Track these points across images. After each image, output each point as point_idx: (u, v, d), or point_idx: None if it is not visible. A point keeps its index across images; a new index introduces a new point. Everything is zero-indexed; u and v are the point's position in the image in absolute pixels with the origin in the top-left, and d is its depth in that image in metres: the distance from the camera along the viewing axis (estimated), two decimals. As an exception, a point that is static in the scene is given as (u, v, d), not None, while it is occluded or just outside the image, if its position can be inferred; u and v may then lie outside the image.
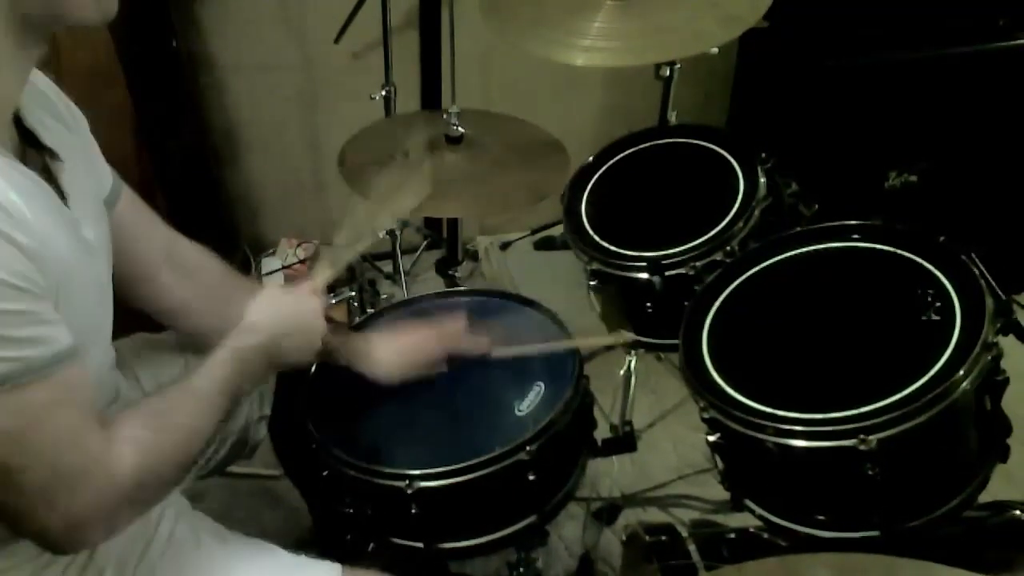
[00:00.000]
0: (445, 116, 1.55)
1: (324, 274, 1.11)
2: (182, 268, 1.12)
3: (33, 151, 0.84)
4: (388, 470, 1.05)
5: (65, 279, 0.79)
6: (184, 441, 0.87)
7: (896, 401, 0.92)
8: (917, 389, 0.92)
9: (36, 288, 0.74)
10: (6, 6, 0.73)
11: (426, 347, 1.18)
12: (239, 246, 2.22)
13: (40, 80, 0.92)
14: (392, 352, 1.17)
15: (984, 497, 1.01)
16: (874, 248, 1.12)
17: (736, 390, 1.03)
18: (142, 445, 0.82)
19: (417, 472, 1.03)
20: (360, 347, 1.17)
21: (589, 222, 1.39)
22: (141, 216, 1.08)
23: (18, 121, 0.83)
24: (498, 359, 1.19)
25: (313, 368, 1.22)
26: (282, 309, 1.00)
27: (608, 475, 1.68)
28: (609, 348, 1.45)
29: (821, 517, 1.01)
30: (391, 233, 2.28)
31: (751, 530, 1.15)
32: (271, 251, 2.12)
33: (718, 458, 1.09)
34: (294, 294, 1.04)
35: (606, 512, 1.66)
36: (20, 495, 0.75)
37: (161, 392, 0.90)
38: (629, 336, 1.36)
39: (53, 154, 0.85)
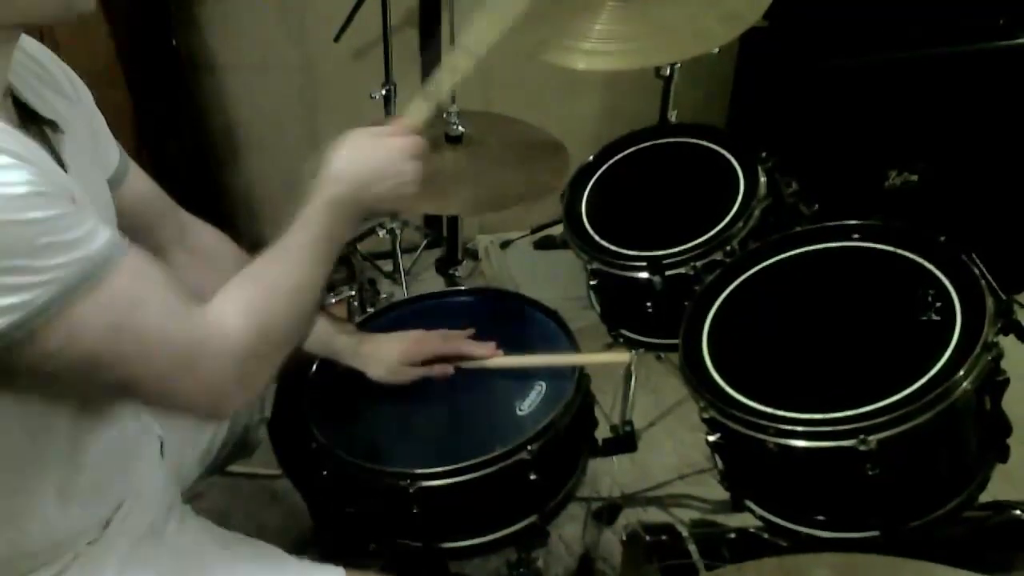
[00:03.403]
0: (445, 115, 1.55)
1: (420, 111, 1.00)
2: (196, 251, 1.12)
3: (33, 126, 0.82)
4: (389, 469, 1.05)
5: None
6: (293, 294, 0.86)
7: (896, 401, 0.92)
8: (917, 389, 0.92)
9: (66, 191, 0.72)
10: None
11: (430, 351, 1.17)
12: (239, 245, 2.21)
13: (41, 54, 0.91)
14: (396, 356, 1.16)
15: (984, 497, 1.01)
16: (874, 248, 1.12)
17: (736, 390, 1.02)
18: (245, 305, 0.81)
19: (418, 472, 1.03)
20: (364, 349, 1.17)
21: (589, 221, 1.39)
22: (152, 196, 1.08)
23: (14, 97, 0.81)
24: (501, 367, 1.19)
25: (314, 368, 1.22)
26: (367, 154, 0.93)
27: (608, 475, 1.68)
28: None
29: (821, 517, 1.01)
30: (391, 232, 2.28)
31: (751, 530, 1.15)
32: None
33: (718, 458, 1.09)
34: (380, 138, 0.95)
35: (606, 512, 1.66)
36: (151, 381, 0.76)
37: (257, 258, 0.88)
38: (631, 355, 1.36)
39: (54, 126, 0.84)
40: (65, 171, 0.82)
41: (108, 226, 0.75)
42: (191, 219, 1.14)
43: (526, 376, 1.17)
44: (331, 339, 1.15)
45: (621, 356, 1.35)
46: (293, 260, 0.87)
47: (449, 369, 1.18)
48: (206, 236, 1.14)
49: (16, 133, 0.72)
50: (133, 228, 0.99)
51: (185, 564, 0.97)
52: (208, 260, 1.12)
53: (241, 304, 0.81)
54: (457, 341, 1.19)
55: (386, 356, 1.16)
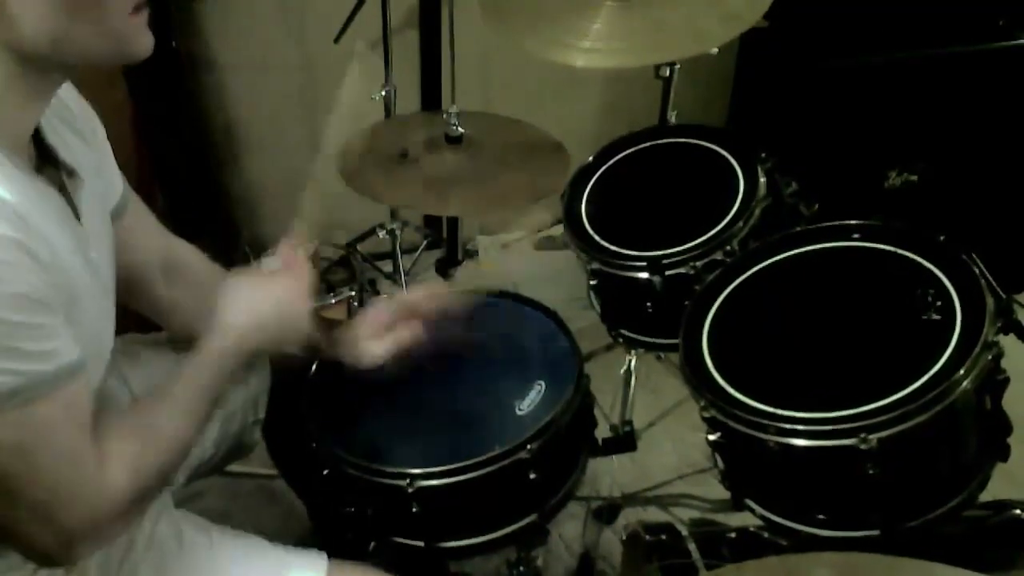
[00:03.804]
0: (445, 116, 1.55)
1: (302, 236, 1.05)
2: (175, 269, 1.12)
3: (51, 168, 0.83)
4: (389, 469, 1.05)
5: (75, 296, 0.79)
6: (172, 451, 0.88)
7: (896, 400, 0.92)
8: (917, 388, 0.92)
9: (50, 300, 0.74)
10: (12, 49, 0.72)
11: (383, 318, 1.15)
12: (239, 246, 2.22)
13: (66, 92, 0.91)
14: (359, 335, 1.14)
15: (984, 496, 1.01)
16: (874, 247, 1.12)
17: (736, 389, 1.02)
18: (133, 461, 0.82)
19: (418, 471, 1.03)
20: (335, 337, 1.16)
21: (589, 222, 1.39)
22: (143, 222, 1.08)
23: (38, 137, 0.82)
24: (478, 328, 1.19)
25: (313, 368, 1.22)
26: (257, 302, 0.96)
27: (608, 474, 1.68)
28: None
29: (821, 516, 1.01)
30: (391, 233, 2.28)
31: (751, 529, 1.15)
32: (271, 252, 2.12)
33: (718, 457, 1.09)
34: (268, 281, 0.99)
35: (606, 511, 1.66)
36: (13, 509, 0.76)
37: (146, 402, 0.90)
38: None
39: (71, 171, 0.85)
40: (79, 218, 0.84)
41: (71, 346, 0.76)
42: (171, 238, 1.14)
43: (526, 375, 1.17)
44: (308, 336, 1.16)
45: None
46: (179, 413, 0.89)
47: (416, 328, 1.15)
48: (187, 257, 1.14)
49: (28, 217, 0.72)
50: (121, 252, 1.00)
51: (165, 555, 0.98)
52: (184, 278, 1.13)
53: (129, 460, 0.82)
54: (403, 297, 1.18)
55: (351, 338, 1.15)
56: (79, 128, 0.92)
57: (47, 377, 0.73)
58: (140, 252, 1.07)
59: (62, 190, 0.83)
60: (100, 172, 0.97)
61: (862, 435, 0.90)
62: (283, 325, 0.98)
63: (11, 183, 0.72)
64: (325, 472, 1.11)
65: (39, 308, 0.72)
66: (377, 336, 1.14)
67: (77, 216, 0.84)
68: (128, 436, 0.84)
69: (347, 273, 2.04)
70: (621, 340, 1.40)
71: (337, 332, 1.16)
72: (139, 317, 1.14)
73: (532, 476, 1.06)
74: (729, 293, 1.17)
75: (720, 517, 1.39)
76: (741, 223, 1.26)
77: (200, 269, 1.15)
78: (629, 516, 1.65)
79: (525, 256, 2.45)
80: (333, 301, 1.88)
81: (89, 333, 0.83)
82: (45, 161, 0.83)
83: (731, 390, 1.03)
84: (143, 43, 0.77)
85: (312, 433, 1.12)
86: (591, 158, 1.51)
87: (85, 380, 0.79)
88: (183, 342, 1.12)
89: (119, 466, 0.81)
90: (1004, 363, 0.95)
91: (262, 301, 0.97)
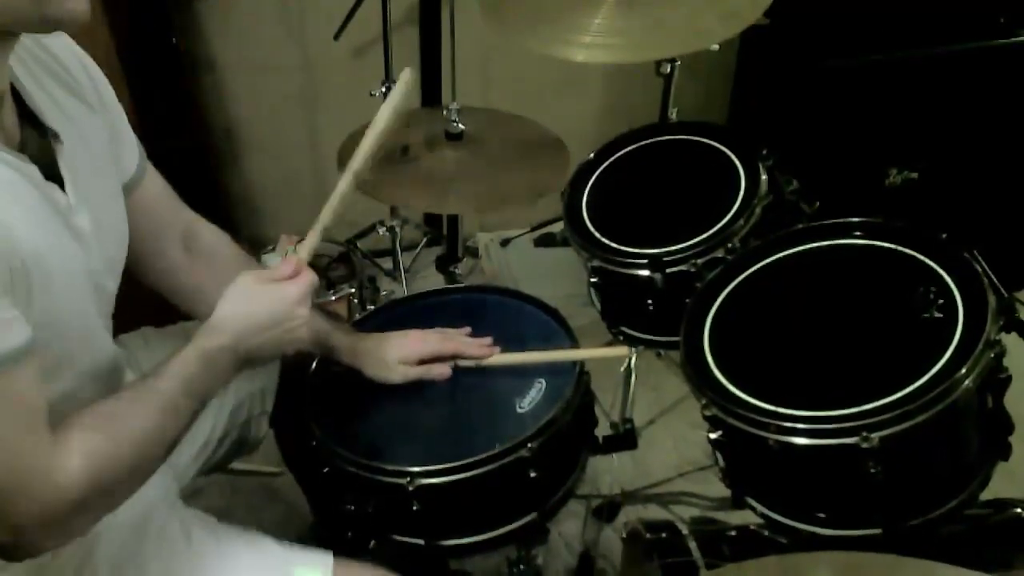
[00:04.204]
0: (445, 113, 1.55)
1: (308, 246, 1.01)
2: (198, 249, 1.12)
3: (34, 131, 0.82)
4: (389, 467, 1.05)
5: (37, 269, 0.76)
6: (142, 445, 0.83)
7: (898, 399, 0.91)
8: (919, 387, 0.92)
9: (6, 281, 0.71)
10: None
11: (428, 351, 1.17)
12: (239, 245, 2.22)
13: (66, 53, 0.90)
14: (395, 356, 1.16)
15: (986, 495, 1.01)
16: (876, 245, 1.11)
17: (738, 387, 1.02)
18: (93, 452, 0.79)
19: (418, 469, 1.03)
20: (361, 347, 1.17)
21: (590, 219, 1.39)
22: (163, 195, 1.08)
23: (21, 101, 0.81)
24: (499, 365, 1.19)
25: (314, 364, 1.22)
26: (255, 303, 0.92)
27: (608, 472, 1.68)
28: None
29: (822, 515, 1.01)
30: (391, 229, 2.28)
31: (752, 528, 1.15)
32: (271, 248, 2.12)
33: (719, 455, 1.09)
34: (270, 284, 0.95)
35: (606, 509, 1.66)
36: None
37: (120, 393, 0.86)
38: (629, 350, 1.37)
39: (55, 135, 0.83)
40: (61, 184, 0.82)
41: (11, 332, 0.72)
42: (195, 218, 1.14)
43: (526, 374, 1.17)
44: (328, 337, 1.15)
45: (620, 351, 1.35)
46: (153, 407, 0.84)
47: (447, 370, 1.17)
48: (208, 236, 1.14)
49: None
50: (140, 230, 0.99)
51: (174, 554, 0.97)
52: (208, 261, 1.12)
53: (89, 451, 0.78)
54: (455, 341, 1.19)
55: (384, 355, 1.16)
56: (81, 93, 0.91)
57: None
58: (159, 223, 1.07)
59: (44, 155, 0.81)
60: (112, 142, 0.96)
61: (863, 434, 0.90)
62: (280, 329, 0.94)
63: None
64: (326, 470, 1.11)
65: None
66: (412, 363, 1.15)
67: (60, 183, 0.82)
68: (90, 427, 0.80)
69: (347, 270, 2.04)
70: (622, 338, 1.40)
71: (362, 344, 1.16)
72: (155, 310, 1.14)
73: (532, 474, 1.06)
74: (730, 291, 1.17)
75: (721, 515, 1.39)
76: (742, 221, 1.25)
77: (228, 254, 1.14)
78: (629, 514, 1.65)
79: (525, 253, 2.45)
80: (333, 298, 1.88)
81: (66, 307, 0.81)
82: (29, 125, 0.81)
83: (732, 388, 1.03)
84: (68, 5, 0.71)
85: (313, 431, 1.12)
86: (592, 155, 1.51)
87: (30, 366, 0.75)
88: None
89: (75, 458, 0.77)
90: (1006, 361, 0.94)
91: (261, 303, 0.93)
